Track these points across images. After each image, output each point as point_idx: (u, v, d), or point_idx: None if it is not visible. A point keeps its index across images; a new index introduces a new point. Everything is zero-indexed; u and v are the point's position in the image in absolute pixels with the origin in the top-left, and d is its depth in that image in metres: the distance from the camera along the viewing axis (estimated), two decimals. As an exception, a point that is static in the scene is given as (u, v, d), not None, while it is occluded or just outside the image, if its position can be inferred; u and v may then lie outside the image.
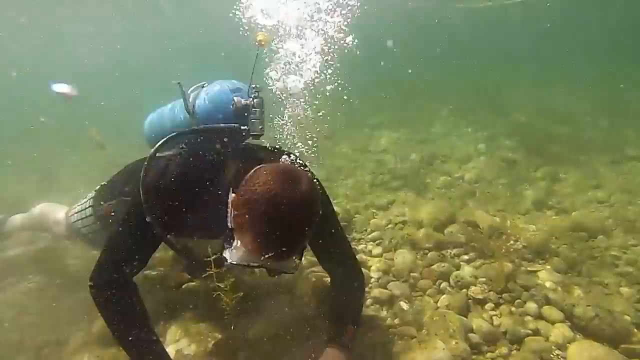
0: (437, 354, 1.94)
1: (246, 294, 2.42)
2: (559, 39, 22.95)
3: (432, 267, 2.75)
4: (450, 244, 2.99)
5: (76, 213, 2.56)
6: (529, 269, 2.77)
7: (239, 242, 1.45)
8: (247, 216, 1.40)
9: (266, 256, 1.41)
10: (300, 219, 1.42)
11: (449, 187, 4.42)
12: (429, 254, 2.91)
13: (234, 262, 1.45)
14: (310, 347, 2.00)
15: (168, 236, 1.75)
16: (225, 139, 1.89)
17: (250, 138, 1.97)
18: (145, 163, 1.78)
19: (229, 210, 1.51)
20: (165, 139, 1.83)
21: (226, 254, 1.48)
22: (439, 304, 2.44)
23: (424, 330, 2.23)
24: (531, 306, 2.40)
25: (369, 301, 2.43)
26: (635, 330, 2.27)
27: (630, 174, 4.52)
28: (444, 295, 2.49)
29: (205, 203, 1.73)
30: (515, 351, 2.15)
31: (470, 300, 2.46)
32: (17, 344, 2.41)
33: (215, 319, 2.30)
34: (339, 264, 2.09)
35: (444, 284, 2.60)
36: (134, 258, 1.74)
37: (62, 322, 2.54)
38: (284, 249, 1.41)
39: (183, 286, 2.56)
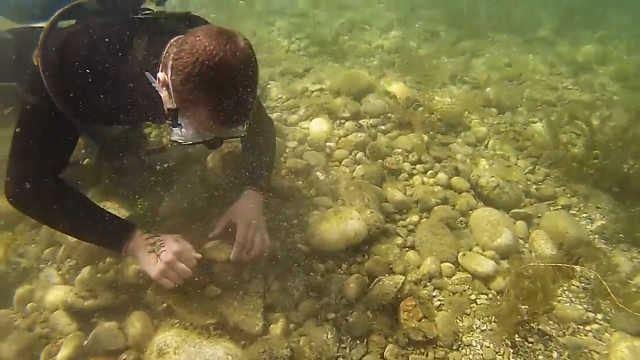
0: (352, 224, 1.93)
1: (157, 170, 2.21)
2: None
3: (349, 136, 2.66)
4: (367, 114, 2.90)
5: None
6: (442, 141, 2.81)
7: (187, 119, 1.32)
8: (195, 91, 1.24)
9: (225, 125, 1.32)
10: (249, 77, 1.29)
11: (368, 56, 4.22)
12: (345, 124, 2.80)
13: (189, 142, 1.36)
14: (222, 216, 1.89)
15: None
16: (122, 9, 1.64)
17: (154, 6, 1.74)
18: (42, 37, 1.47)
19: (162, 90, 1.33)
20: (61, 10, 1.55)
21: (174, 136, 1.35)
22: (354, 174, 2.40)
23: (339, 201, 2.21)
24: (441, 177, 2.46)
25: (283, 171, 2.31)
26: (524, 196, 2.49)
27: (539, 53, 4.65)
28: (359, 166, 2.45)
29: (118, 85, 1.51)
30: (425, 219, 2.23)
31: (385, 171, 2.45)
32: None
33: (123, 196, 2.08)
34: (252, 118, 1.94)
35: (359, 154, 2.55)
36: (52, 157, 1.56)
37: None
38: (240, 112, 1.32)
39: (83, 162, 2.24)
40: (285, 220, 2.05)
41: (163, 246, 1.58)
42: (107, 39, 1.50)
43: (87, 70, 1.46)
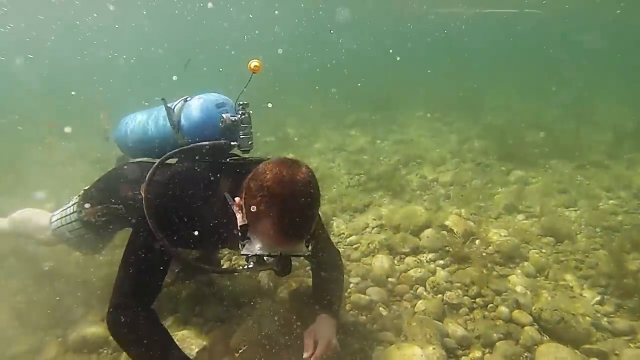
0: (415, 360, 2.03)
1: (228, 300, 2.48)
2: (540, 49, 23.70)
3: (409, 272, 2.84)
4: (426, 249, 3.08)
5: (59, 219, 2.54)
6: (500, 273, 2.89)
7: (255, 234, 1.50)
8: (261, 205, 1.44)
9: (288, 238, 1.47)
10: (310, 196, 1.47)
11: (424, 189, 4.53)
12: (405, 259, 3.00)
13: (254, 254, 1.51)
14: (292, 353, 2.06)
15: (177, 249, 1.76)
16: (215, 155, 1.94)
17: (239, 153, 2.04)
18: (147, 181, 1.78)
19: (237, 211, 1.56)
20: (166, 155, 1.89)
21: (244, 250, 1.53)
22: (415, 309, 2.52)
23: (401, 336, 2.31)
24: (502, 310, 2.51)
25: (347, 306, 2.50)
26: (595, 330, 2.41)
27: (593, 178, 4.73)
28: (420, 301, 2.58)
29: (206, 217, 1.79)
30: (488, 354, 2.25)
31: (445, 305, 2.56)
32: None
33: (198, 326, 2.33)
34: (321, 250, 2.20)
35: (420, 289, 2.69)
36: (150, 285, 1.76)
37: (35, 330, 2.51)
38: (302, 227, 1.48)
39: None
40: (350, 355, 2.17)
41: None
42: (200, 179, 1.83)
43: (183, 203, 1.75)
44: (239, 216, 1.57)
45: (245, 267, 1.61)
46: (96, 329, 2.45)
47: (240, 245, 1.56)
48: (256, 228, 1.49)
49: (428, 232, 3.23)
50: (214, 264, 2.41)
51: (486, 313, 2.53)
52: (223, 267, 1.96)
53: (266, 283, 2.64)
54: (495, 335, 2.34)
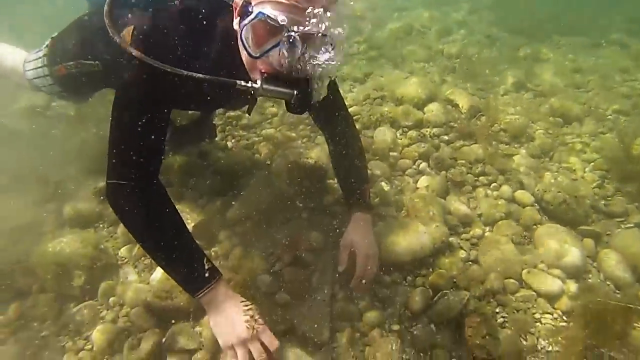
0: (419, 237, 1.95)
1: (223, 172, 2.33)
2: None
3: (412, 146, 2.68)
4: (430, 123, 2.90)
5: (32, 69, 2.19)
6: (505, 152, 2.77)
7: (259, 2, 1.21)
8: None
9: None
10: None
11: (428, 61, 4.20)
12: (408, 133, 2.82)
13: (255, 13, 1.19)
14: (287, 228, 1.97)
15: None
16: None
17: None
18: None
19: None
20: None
21: (246, 19, 1.22)
22: (418, 185, 2.42)
23: (403, 212, 2.24)
24: (505, 190, 2.43)
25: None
26: (592, 212, 2.40)
27: (609, 58, 4.44)
28: (423, 177, 2.47)
29: (202, 57, 1.46)
30: (488, 233, 2.22)
31: (449, 183, 2.45)
32: None
33: (193, 200, 2.20)
34: (335, 118, 1.94)
35: (423, 165, 2.56)
36: (154, 147, 1.45)
37: (32, 207, 2.44)
38: None
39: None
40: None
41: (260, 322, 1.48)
42: (192, 13, 1.45)
43: (178, 43, 1.41)
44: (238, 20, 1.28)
45: (251, 84, 1.29)
46: (89, 205, 2.36)
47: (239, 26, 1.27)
48: None
49: (432, 105, 3.01)
50: (209, 128, 2.13)
51: (489, 192, 2.45)
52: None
53: (261, 154, 2.48)
54: (497, 214, 2.28)
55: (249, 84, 1.29)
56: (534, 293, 1.92)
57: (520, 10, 5.22)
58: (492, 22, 5.27)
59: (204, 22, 1.45)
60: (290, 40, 1.18)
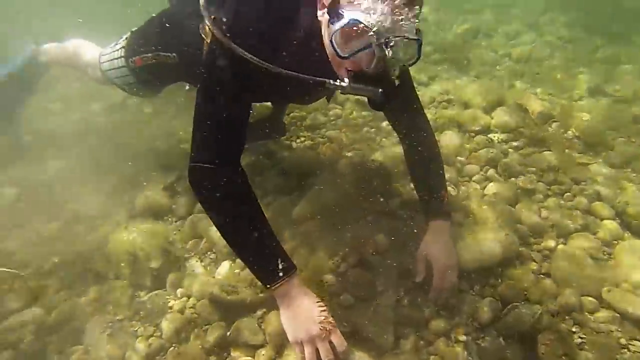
0: (487, 245, 1.89)
1: (288, 172, 2.35)
2: None
3: (480, 152, 2.59)
4: (498, 129, 2.79)
5: (108, 61, 2.32)
6: (580, 161, 2.61)
7: (349, 3, 1.22)
8: None
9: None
10: None
11: (494, 65, 4.06)
12: (475, 138, 2.73)
13: (348, 19, 1.20)
14: (353, 229, 1.96)
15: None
16: None
17: None
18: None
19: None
20: None
21: (337, 25, 1.23)
22: (485, 192, 2.33)
23: (470, 218, 2.16)
24: (581, 201, 2.29)
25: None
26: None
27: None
28: (491, 183, 2.38)
29: (285, 47, 1.46)
30: (561, 245, 2.10)
31: (518, 190, 2.35)
32: (75, 214, 2.43)
33: (257, 197, 2.23)
34: (410, 116, 1.90)
35: (491, 171, 2.47)
36: (236, 132, 1.49)
37: (107, 198, 2.56)
38: None
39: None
40: (416, 233, 2.05)
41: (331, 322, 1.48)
42: (276, 4, 1.46)
43: (263, 30, 1.43)
44: (324, 15, 1.30)
45: (338, 82, 1.32)
46: (159, 198, 2.47)
47: (328, 26, 1.29)
48: None
49: (500, 110, 2.90)
50: (280, 125, 2.15)
51: (562, 202, 2.32)
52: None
53: (326, 155, 2.48)
54: (571, 225, 2.15)
55: (337, 83, 1.32)
56: (617, 315, 1.78)
57: (598, 9, 4.90)
58: (566, 23, 5.00)
59: (288, 11, 1.46)
60: (380, 43, 1.20)
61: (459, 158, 2.54)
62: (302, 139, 2.77)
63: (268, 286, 1.49)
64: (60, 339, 1.96)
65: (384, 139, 2.68)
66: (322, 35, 1.37)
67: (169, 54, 2.00)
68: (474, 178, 2.45)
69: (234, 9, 1.44)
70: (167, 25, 2.04)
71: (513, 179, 2.42)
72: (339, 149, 2.58)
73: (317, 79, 1.33)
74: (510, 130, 2.77)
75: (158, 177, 2.60)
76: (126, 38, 2.24)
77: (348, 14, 1.21)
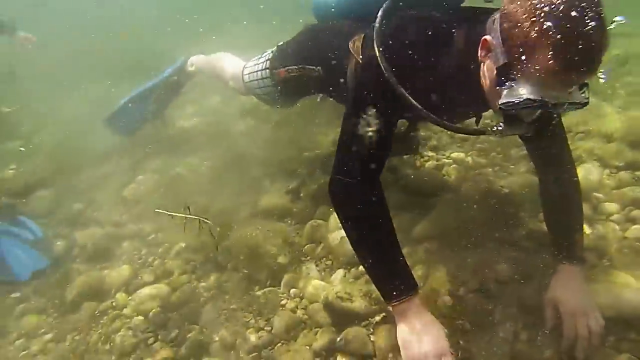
0: (628, 293, 1.70)
1: (410, 189, 2.36)
2: None
3: (623, 189, 2.35)
4: (648, 167, 2.51)
5: (252, 73, 2.56)
6: None
7: (524, 73, 1.17)
8: (538, 30, 1.09)
9: (574, 76, 1.13)
10: (602, 16, 1.09)
11: (643, 95, 3.66)
12: (618, 174, 2.49)
13: (521, 99, 1.18)
14: (473, 255, 1.91)
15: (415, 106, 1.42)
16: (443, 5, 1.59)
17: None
18: (380, 18, 1.52)
19: (486, 55, 1.30)
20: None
21: (505, 98, 1.22)
22: (627, 235, 2.11)
23: (605, 260, 1.98)
24: None
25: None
26: None
27: None
28: (635, 226, 2.14)
29: (435, 76, 1.48)
30: None
31: (670, 238, 2.09)
32: (202, 206, 2.66)
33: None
34: (553, 158, 1.80)
35: (635, 212, 2.22)
36: (381, 149, 1.53)
37: (232, 195, 2.81)
38: (594, 60, 1.11)
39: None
40: (540, 267, 1.92)
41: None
42: (437, 27, 1.49)
43: (422, 53, 1.45)
44: (488, 61, 1.29)
45: (495, 128, 1.35)
46: (281, 201, 2.67)
47: (495, 97, 1.28)
48: (525, 65, 1.15)
49: (652, 146, 2.61)
50: (416, 142, 2.18)
51: None
52: (471, 127, 1.61)
53: (451, 177, 2.45)
54: None
55: (494, 129, 1.36)
56: None
57: None
58: None
59: (444, 38, 1.48)
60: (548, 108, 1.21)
61: (595, 194, 2.34)
62: (427, 158, 2.76)
63: (389, 302, 1.51)
64: (180, 316, 2.21)
65: (512, 166, 2.56)
66: (476, 68, 1.37)
67: (314, 67, 2.11)
68: (612, 217, 2.23)
69: (392, 31, 1.50)
70: (314, 39, 2.21)
71: (663, 223, 2.15)
72: (465, 172, 2.53)
73: (477, 129, 1.47)
74: (664, 169, 2.47)
75: (282, 181, 2.77)
76: (272, 51, 2.44)
77: (521, 90, 1.19)
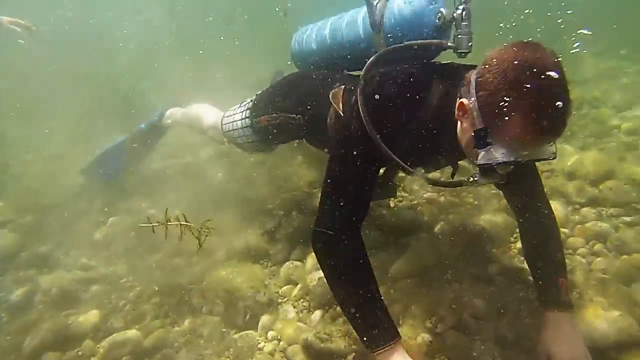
0: (598, 324, 1.77)
1: (385, 229, 2.39)
2: None
3: (587, 224, 2.46)
4: (607, 202, 2.64)
5: (232, 122, 2.58)
6: None
7: (499, 137, 1.26)
8: (510, 98, 1.19)
9: (542, 137, 1.22)
10: (565, 84, 1.20)
11: (601, 137, 3.88)
12: (581, 210, 2.61)
13: (497, 162, 1.28)
14: (449, 292, 1.94)
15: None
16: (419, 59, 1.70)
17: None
18: (363, 75, 1.60)
19: (463, 116, 1.38)
20: (377, 55, 1.66)
21: (481, 159, 1.32)
22: (592, 267, 2.20)
23: (575, 293, 2.04)
24: None
25: (513, 251, 2.27)
26: None
27: None
28: (599, 258, 2.24)
29: (417, 126, 1.55)
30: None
31: (633, 269, 2.17)
32: (176, 248, 2.62)
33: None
34: (530, 204, 1.86)
35: (598, 246, 2.33)
36: (363, 204, 1.58)
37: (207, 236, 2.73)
38: (561, 121, 1.21)
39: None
40: (514, 302, 1.98)
41: None
42: (415, 81, 1.55)
43: (401, 106, 1.52)
44: (465, 122, 1.37)
45: (471, 179, 1.44)
46: (258, 242, 2.64)
47: (473, 155, 1.37)
48: (500, 128, 1.24)
49: (611, 183, 2.75)
50: (392, 187, 2.23)
51: (689, 287, 2.11)
52: (448, 180, 1.68)
53: (425, 216, 2.51)
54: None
55: (470, 179, 1.45)
56: None
57: None
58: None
59: (422, 94, 1.55)
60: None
61: (563, 230, 2.43)
62: (401, 199, 2.82)
63: (373, 350, 1.51)
64: None
65: (484, 204, 2.65)
66: (452, 125, 1.46)
67: (294, 115, 2.17)
68: (578, 251, 2.33)
69: (375, 87, 1.56)
70: (294, 88, 2.27)
71: (626, 256, 2.25)
72: (438, 211, 2.59)
73: (453, 181, 1.57)
74: (622, 205, 2.61)
75: (258, 222, 2.75)
76: (251, 100, 2.50)
77: (497, 152, 1.28)
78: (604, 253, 2.30)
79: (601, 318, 1.79)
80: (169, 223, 1.91)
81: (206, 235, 1.96)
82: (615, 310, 1.86)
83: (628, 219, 2.53)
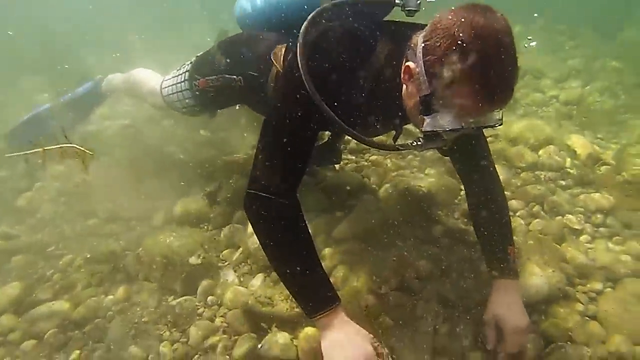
0: (534, 280, 1.83)
1: (330, 191, 2.34)
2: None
3: (526, 187, 2.53)
4: (545, 167, 2.73)
5: (170, 86, 2.40)
6: (632, 206, 2.50)
7: (446, 102, 1.21)
8: (459, 64, 1.13)
9: (492, 103, 1.18)
10: (514, 49, 1.16)
11: (541, 106, 4.02)
12: (521, 174, 2.68)
13: (443, 129, 1.25)
14: (393, 253, 1.94)
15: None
16: (367, 16, 1.59)
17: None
18: (302, 32, 1.44)
19: (409, 80, 1.31)
20: (318, 10, 1.51)
21: (427, 126, 1.26)
22: (530, 228, 2.28)
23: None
24: (633, 246, 2.19)
25: (457, 214, 2.32)
26: None
27: None
28: (537, 220, 2.32)
29: (357, 85, 1.47)
30: (609, 289, 1.99)
31: (565, 229, 2.27)
32: (111, 213, 2.55)
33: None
34: (477, 165, 1.84)
35: (536, 208, 2.41)
36: (299, 164, 1.48)
37: (145, 200, 2.62)
38: (509, 87, 1.18)
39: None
40: (457, 262, 2.01)
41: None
42: (359, 40, 1.47)
43: (344, 66, 1.42)
44: (410, 88, 1.32)
45: (415, 144, 1.39)
46: (198, 206, 2.52)
47: (418, 121, 1.33)
48: (448, 95, 1.19)
49: (549, 149, 2.85)
50: (337, 152, 2.16)
51: (611, 245, 2.23)
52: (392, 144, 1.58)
53: (369, 179, 2.49)
54: (622, 270, 2.04)
55: (414, 144, 1.40)
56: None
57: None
58: (618, 69, 4.90)
59: (366, 51, 1.47)
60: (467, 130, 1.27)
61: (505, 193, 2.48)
62: (346, 162, 2.77)
63: (312, 316, 1.45)
64: (83, 335, 1.99)
65: (429, 168, 2.66)
66: (397, 86, 1.40)
67: (234, 77, 2.03)
68: (518, 213, 2.39)
69: (316, 43, 1.45)
70: (234, 49, 2.11)
71: (560, 217, 2.34)
72: (383, 174, 2.57)
73: (391, 145, 1.50)
74: (558, 170, 2.71)
75: (199, 185, 2.63)
76: (190, 63, 2.33)
77: (443, 120, 1.24)
78: (542, 215, 2.38)
79: (537, 275, 1.85)
80: (47, 148, 1.67)
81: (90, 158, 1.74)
82: (548, 267, 1.93)
83: (563, 182, 2.64)
